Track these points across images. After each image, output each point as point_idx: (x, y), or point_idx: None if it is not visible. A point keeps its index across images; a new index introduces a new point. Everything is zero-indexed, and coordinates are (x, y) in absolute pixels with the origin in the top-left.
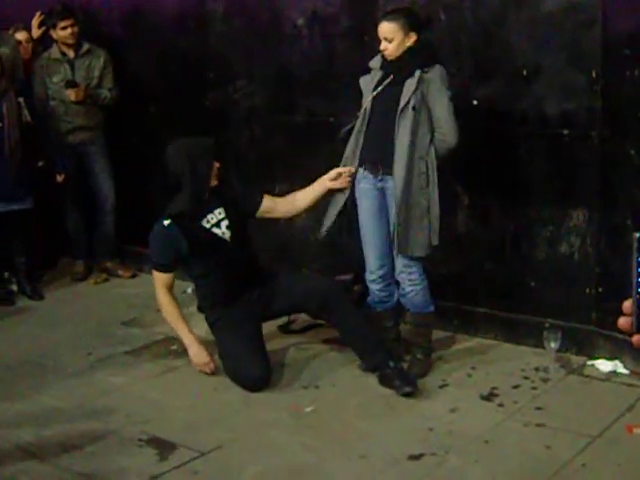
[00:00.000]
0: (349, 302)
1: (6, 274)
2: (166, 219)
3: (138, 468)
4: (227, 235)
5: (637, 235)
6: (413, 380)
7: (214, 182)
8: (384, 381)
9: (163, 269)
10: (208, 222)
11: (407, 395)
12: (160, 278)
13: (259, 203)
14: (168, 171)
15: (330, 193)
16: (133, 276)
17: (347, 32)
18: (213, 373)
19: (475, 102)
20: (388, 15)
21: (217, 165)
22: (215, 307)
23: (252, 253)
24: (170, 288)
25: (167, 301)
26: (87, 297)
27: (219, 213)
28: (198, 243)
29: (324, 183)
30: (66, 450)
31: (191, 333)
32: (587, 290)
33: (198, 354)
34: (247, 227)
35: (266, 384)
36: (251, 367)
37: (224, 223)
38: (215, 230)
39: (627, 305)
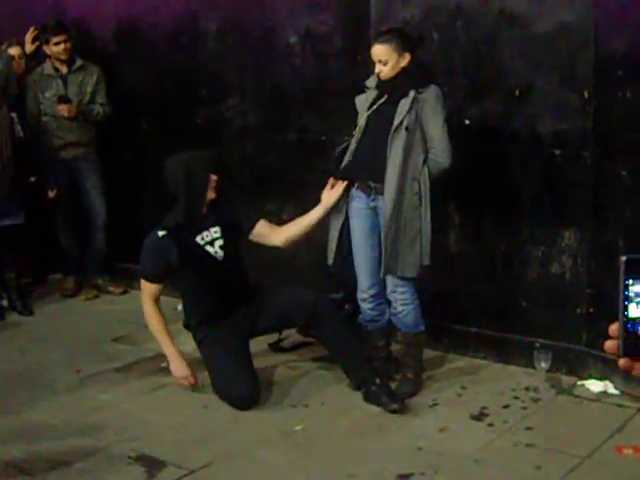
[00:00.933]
0: (336, 316)
1: None
2: (161, 230)
3: None
4: (219, 254)
5: (623, 258)
6: (400, 397)
7: (212, 195)
8: (369, 398)
9: (152, 279)
10: (202, 239)
11: (394, 412)
12: (148, 288)
13: (252, 226)
14: (166, 183)
15: (328, 214)
16: (124, 293)
17: (340, 51)
18: (192, 386)
19: (467, 121)
20: (380, 37)
21: (215, 178)
22: (201, 324)
23: (243, 274)
24: (157, 299)
25: (152, 312)
26: (77, 313)
27: (215, 232)
28: (189, 259)
29: (323, 201)
30: (55, 467)
31: (173, 346)
32: (578, 310)
33: (179, 367)
34: (241, 248)
35: (255, 402)
36: (240, 385)
37: (218, 243)
38: (208, 248)
39: (613, 328)
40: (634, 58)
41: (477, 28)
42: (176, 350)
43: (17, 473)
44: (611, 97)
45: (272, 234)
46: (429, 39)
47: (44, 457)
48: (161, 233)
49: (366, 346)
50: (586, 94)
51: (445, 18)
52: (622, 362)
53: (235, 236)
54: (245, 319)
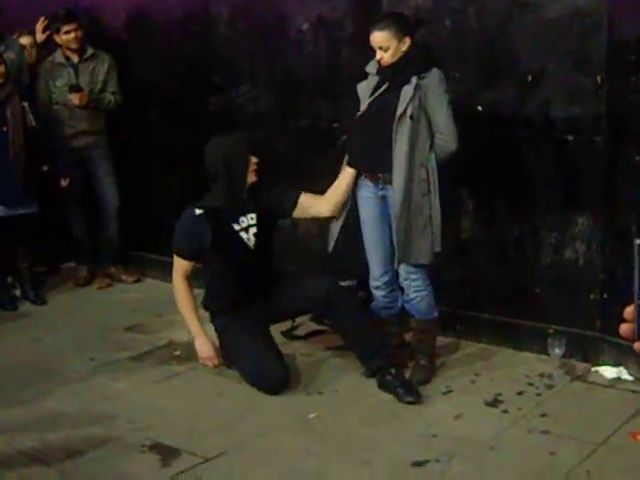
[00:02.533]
0: (350, 304)
1: (9, 279)
2: (199, 208)
3: (141, 474)
4: (252, 242)
5: (638, 241)
6: (416, 388)
7: (252, 178)
8: (384, 386)
9: (184, 255)
10: (238, 224)
11: (409, 404)
12: (180, 264)
13: (295, 202)
14: (205, 165)
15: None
16: (137, 281)
17: (352, 37)
18: (216, 367)
19: (480, 107)
20: (379, 24)
21: (255, 160)
22: (221, 311)
23: (270, 264)
24: (188, 276)
25: (182, 288)
26: (90, 302)
27: (251, 218)
28: (221, 242)
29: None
30: (69, 455)
31: (200, 324)
32: (591, 296)
33: (204, 346)
34: (274, 238)
35: (287, 386)
36: (272, 370)
37: (252, 230)
38: (242, 234)
39: (628, 311)
40: None
41: (489, 13)
42: (202, 329)
43: (31, 462)
44: (624, 82)
45: (317, 204)
46: (442, 25)
47: (58, 446)
48: (198, 211)
49: (380, 333)
50: (599, 79)
51: (457, 3)
52: (637, 345)
53: (271, 223)
54: (265, 307)
